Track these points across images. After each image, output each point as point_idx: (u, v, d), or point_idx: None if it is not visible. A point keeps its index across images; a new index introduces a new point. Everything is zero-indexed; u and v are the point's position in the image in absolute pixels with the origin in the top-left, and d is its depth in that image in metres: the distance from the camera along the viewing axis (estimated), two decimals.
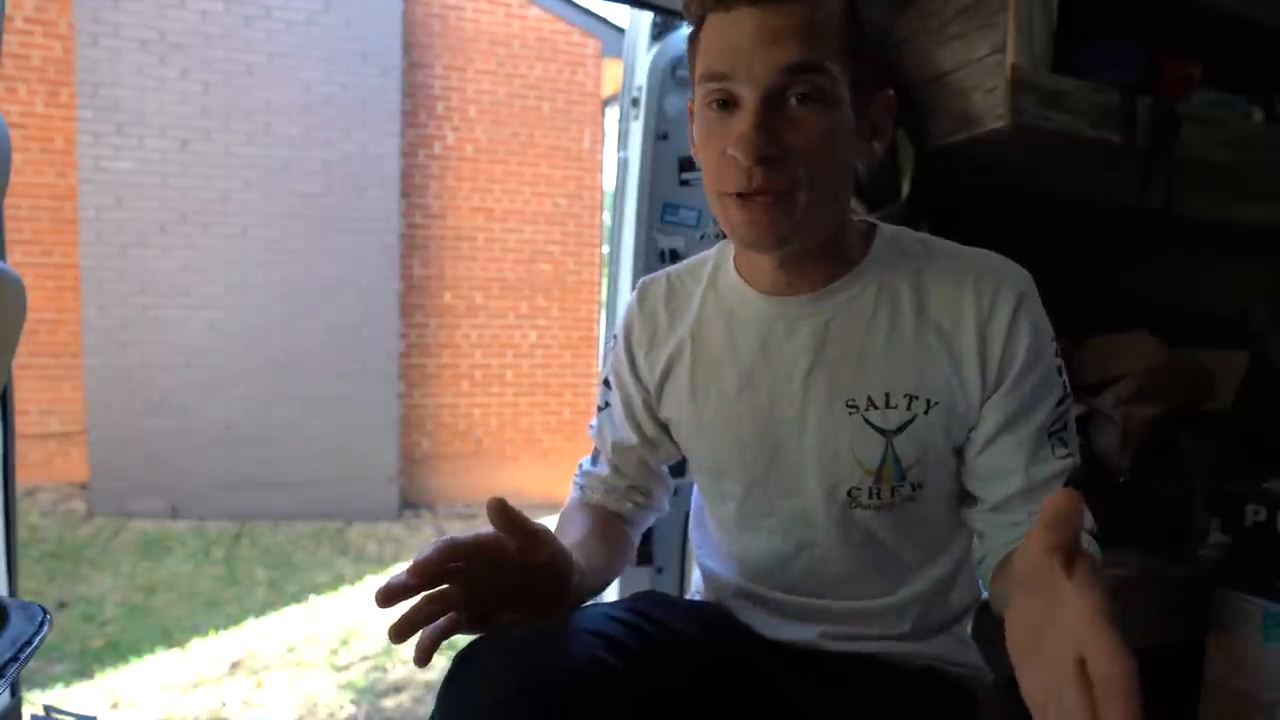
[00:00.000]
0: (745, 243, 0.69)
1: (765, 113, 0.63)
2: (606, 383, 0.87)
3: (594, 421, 0.89)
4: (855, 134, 0.68)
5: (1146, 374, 1.35)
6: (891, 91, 0.72)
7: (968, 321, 0.70)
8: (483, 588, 0.61)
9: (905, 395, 0.70)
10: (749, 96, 0.63)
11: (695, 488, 0.89)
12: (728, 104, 0.65)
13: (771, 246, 0.68)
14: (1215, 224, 1.72)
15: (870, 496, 0.72)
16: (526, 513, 0.64)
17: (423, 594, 0.58)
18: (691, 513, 0.92)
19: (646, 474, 0.88)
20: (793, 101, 0.63)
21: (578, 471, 0.91)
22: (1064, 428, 0.72)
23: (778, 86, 0.63)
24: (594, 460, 0.89)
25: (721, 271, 0.80)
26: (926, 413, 0.70)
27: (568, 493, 0.92)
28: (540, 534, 0.63)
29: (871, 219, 0.79)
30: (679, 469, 0.91)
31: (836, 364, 0.72)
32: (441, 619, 0.59)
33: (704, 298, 0.80)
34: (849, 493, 0.72)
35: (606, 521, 0.85)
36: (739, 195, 0.65)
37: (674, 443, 0.85)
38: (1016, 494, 0.71)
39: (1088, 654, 0.40)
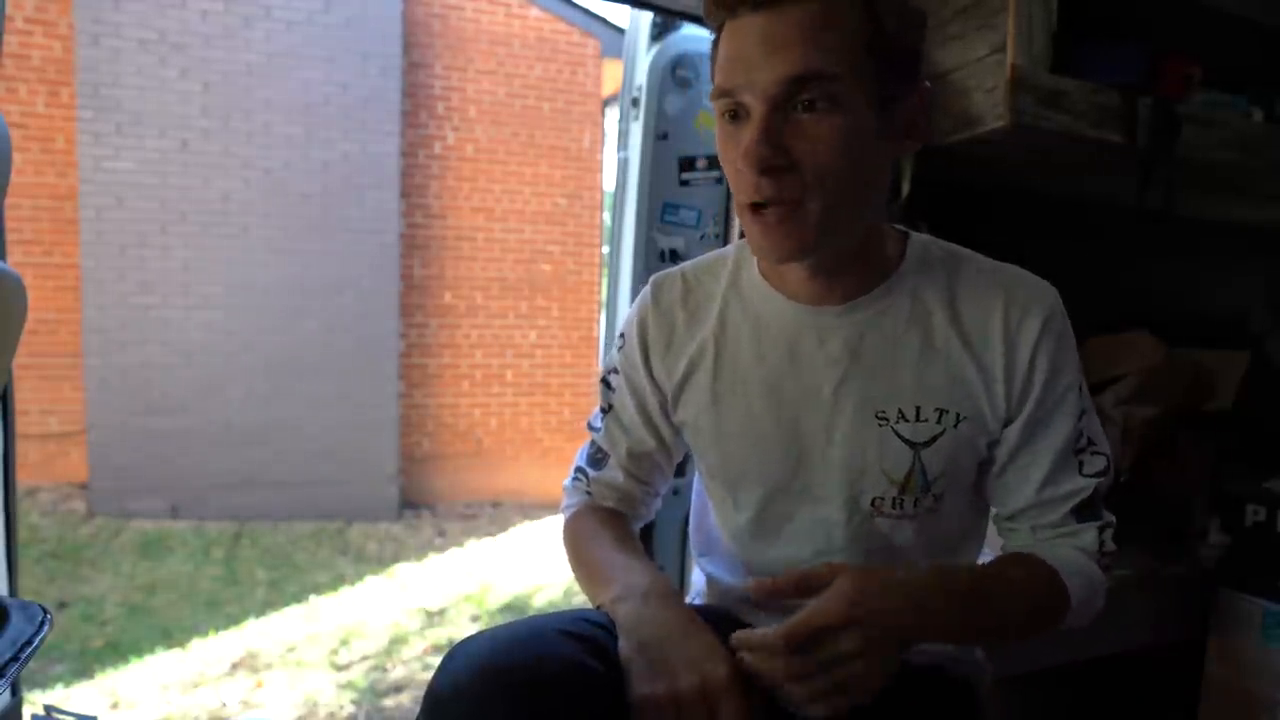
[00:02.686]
0: (762, 255, 0.69)
1: (770, 123, 0.62)
2: (607, 383, 0.84)
3: (599, 424, 0.86)
4: (879, 134, 0.65)
5: (1146, 374, 1.34)
6: (928, 84, 0.69)
7: (996, 338, 0.70)
8: None
9: (936, 409, 0.71)
10: (755, 107, 0.63)
11: (697, 491, 0.88)
12: (738, 115, 0.65)
13: (787, 258, 0.67)
14: (1215, 224, 1.72)
15: (894, 506, 0.72)
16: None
17: None
18: (692, 516, 0.91)
19: (660, 476, 0.86)
20: (800, 109, 0.62)
21: (580, 477, 0.87)
22: (1088, 444, 0.73)
23: (781, 97, 0.62)
24: (598, 464, 0.85)
25: (744, 273, 0.78)
26: (955, 426, 0.71)
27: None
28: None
29: (902, 227, 0.78)
30: (679, 469, 0.90)
31: (868, 376, 0.72)
32: None
33: (726, 299, 0.78)
34: (873, 502, 0.72)
35: (628, 528, 0.85)
36: (753, 207, 0.65)
37: (685, 444, 0.83)
38: (1025, 509, 0.74)
39: None
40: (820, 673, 0.59)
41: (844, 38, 0.61)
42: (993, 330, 0.70)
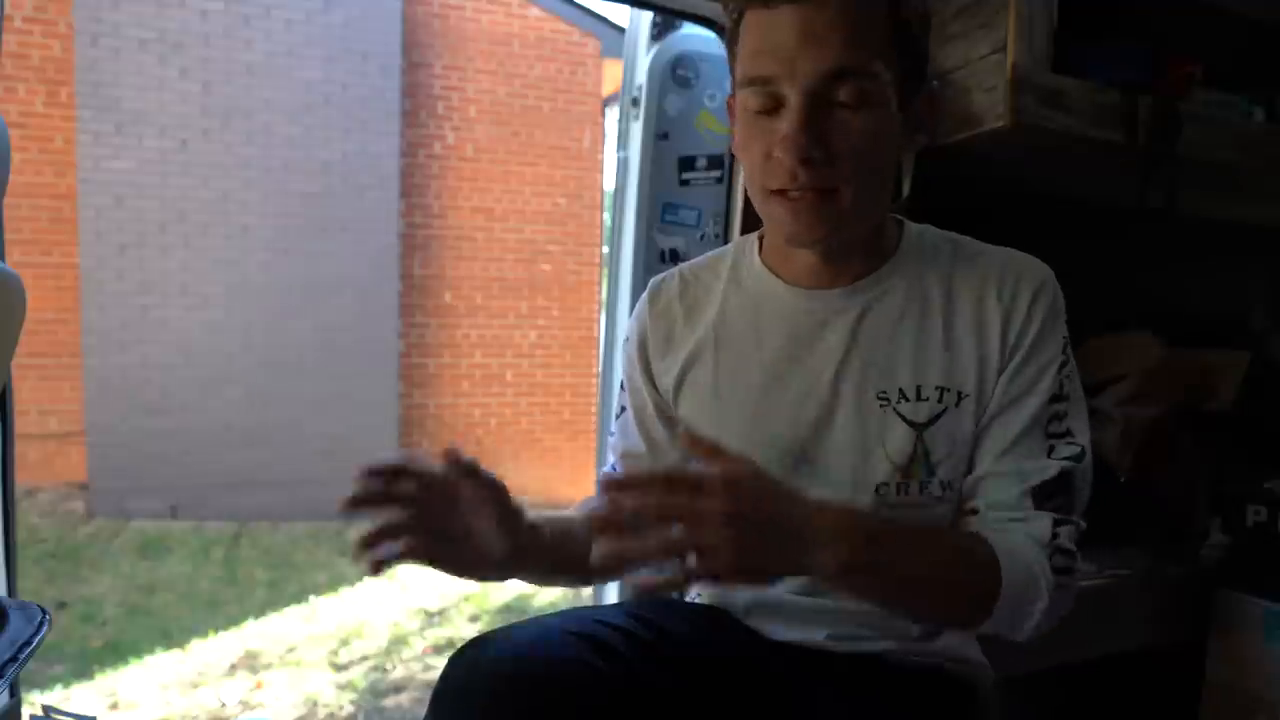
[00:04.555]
0: (789, 237, 0.70)
1: (810, 113, 0.63)
2: (623, 386, 0.86)
3: (613, 429, 0.88)
4: (900, 130, 0.68)
5: (1146, 374, 1.34)
6: (936, 83, 0.73)
7: (993, 315, 0.71)
8: (434, 520, 0.65)
9: (936, 387, 0.71)
10: (793, 98, 0.63)
11: None
12: (770, 103, 0.65)
13: (815, 241, 0.69)
14: (1215, 224, 1.72)
15: (898, 494, 0.71)
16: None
17: (384, 520, 0.64)
18: None
19: None
20: (837, 102, 0.64)
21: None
22: (1066, 431, 0.71)
23: (822, 88, 0.63)
24: (612, 467, 0.88)
25: (744, 265, 0.80)
26: (957, 405, 0.71)
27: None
28: (496, 484, 0.66)
29: (898, 215, 0.79)
30: None
31: (869, 357, 0.72)
32: (398, 544, 0.64)
33: (725, 293, 0.79)
34: (876, 490, 0.71)
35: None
36: (784, 192, 0.66)
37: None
38: (984, 477, 0.71)
39: None
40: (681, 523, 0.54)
41: (877, 33, 0.64)
42: (988, 305, 0.71)
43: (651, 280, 0.85)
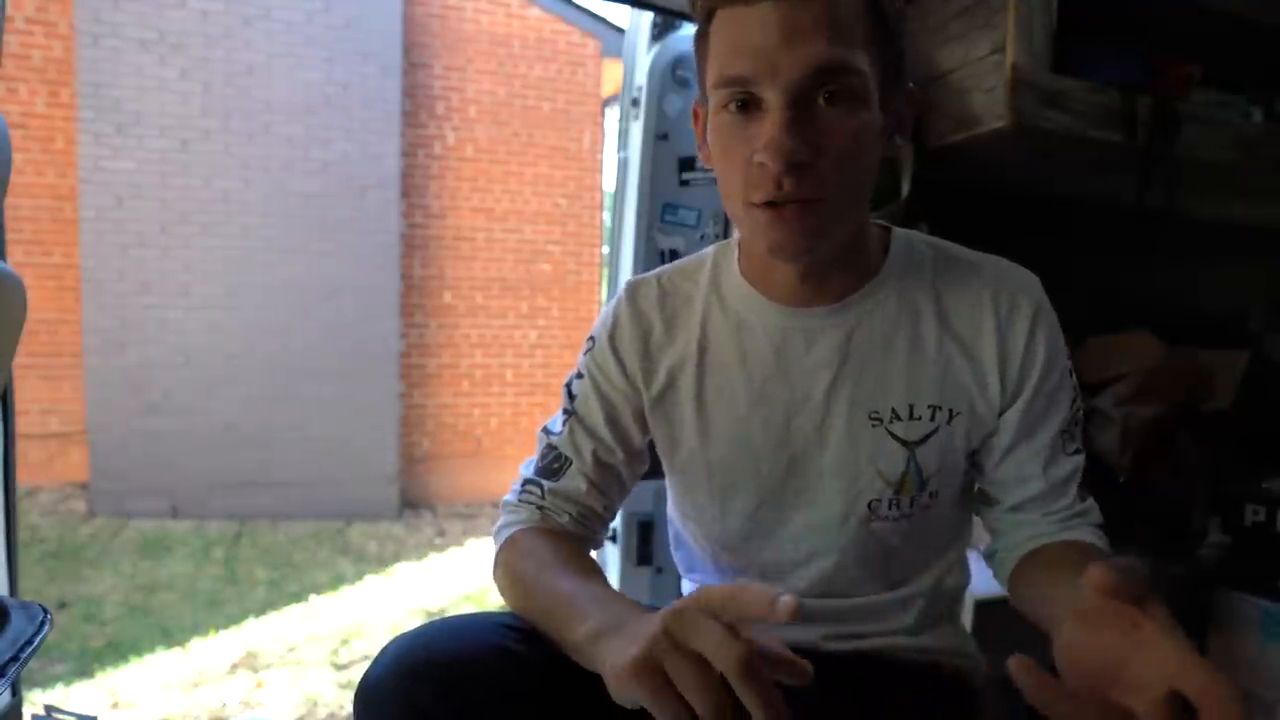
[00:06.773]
0: (772, 250, 0.64)
1: (794, 115, 0.59)
2: (570, 390, 0.78)
3: (559, 429, 0.77)
4: (881, 131, 0.64)
5: (1146, 374, 1.35)
6: (912, 85, 0.69)
7: (987, 330, 0.70)
8: None
9: (929, 406, 0.70)
10: (774, 98, 0.59)
11: (671, 517, 0.84)
12: (748, 106, 0.61)
13: (799, 255, 0.65)
14: (1215, 224, 1.72)
15: (890, 508, 0.72)
16: None
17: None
18: (671, 537, 0.88)
19: (619, 494, 0.78)
20: (821, 102, 0.59)
21: (530, 489, 0.76)
22: (1074, 425, 0.74)
23: (806, 87, 0.59)
24: (555, 474, 0.76)
25: (724, 277, 0.76)
26: (949, 423, 0.71)
27: None
28: None
29: (881, 222, 0.77)
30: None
31: (859, 376, 0.71)
32: None
33: (706, 304, 0.75)
34: (869, 505, 0.71)
35: (590, 558, 0.74)
36: (769, 204, 0.61)
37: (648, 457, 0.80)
38: (1036, 496, 0.73)
39: (1191, 690, 0.42)
40: None
41: (858, 29, 0.60)
42: (983, 322, 0.70)
43: (627, 282, 0.79)
